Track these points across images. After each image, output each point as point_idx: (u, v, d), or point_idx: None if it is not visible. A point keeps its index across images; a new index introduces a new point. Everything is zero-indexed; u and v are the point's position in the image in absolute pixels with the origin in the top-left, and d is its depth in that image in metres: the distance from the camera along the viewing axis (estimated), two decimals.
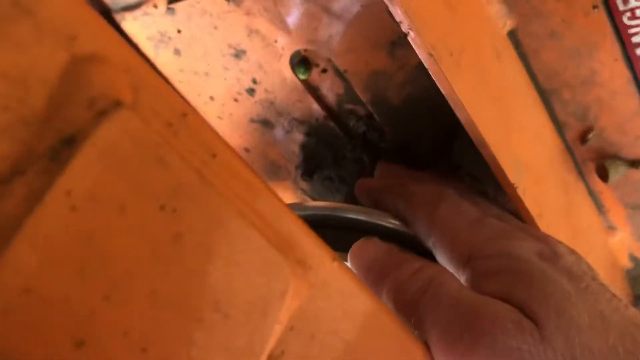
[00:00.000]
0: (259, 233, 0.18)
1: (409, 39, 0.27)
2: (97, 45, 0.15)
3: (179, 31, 0.40)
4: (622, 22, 0.32)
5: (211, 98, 0.45)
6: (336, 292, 0.21)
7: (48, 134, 0.14)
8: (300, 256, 0.20)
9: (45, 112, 0.14)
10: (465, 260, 0.29)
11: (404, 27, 0.26)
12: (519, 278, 0.27)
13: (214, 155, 0.18)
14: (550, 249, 0.29)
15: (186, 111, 0.18)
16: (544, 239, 0.30)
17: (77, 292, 0.14)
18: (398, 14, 0.26)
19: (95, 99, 0.15)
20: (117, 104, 0.15)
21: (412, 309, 0.27)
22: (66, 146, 0.14)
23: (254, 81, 0.43)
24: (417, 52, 0.27)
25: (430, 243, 0.31)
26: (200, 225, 0.16)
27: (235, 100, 0.45)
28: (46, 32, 0.14)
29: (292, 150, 0.48)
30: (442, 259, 0.30)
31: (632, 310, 0.26)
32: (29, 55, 0.14)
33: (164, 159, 0.16)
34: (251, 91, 0.44)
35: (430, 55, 0.27)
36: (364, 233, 0.34)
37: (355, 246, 0.33)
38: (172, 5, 0.39)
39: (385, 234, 0.34)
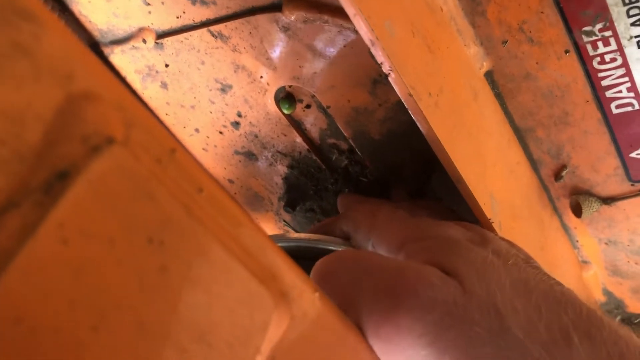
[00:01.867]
0: (243, 266, 0.19)
1: (390, 79, 0.28)
2: (92, 83, 0.16)
3: (166, 65, 0.41)
4: (592, 66, 0.33)
5: (196, 130, 0.46)
6: (317, 323, 0.21)
7: (42, 169, 0.15)
8: (282, 288, 0.20)
9: (40, 147, 0.15)
10: (399, 248, 0.30)
11: (385, 68, 0.28)
12: (444, 249, 0.27)
13: (201, 190, 0.18)
14: (480, 236, 0.29)
15: (175, 147, 0.18)
16: (475, 229, 0.31)
17: (66, 323, 0.14)
18: (379, 55, 0.27)
19: (88, 135, 0.16)
20: (110, 141, 0.16)
21: (342, 295, 0.25)
22: (60, 180, 0.15)
23: (239, 115, 0.43)
24: (397, 91, 0.28)
25: (370, 246, 0.33)
26: (186, 257, 0.17)
27: (221, 132, 0.45)
28: (44, 71, 0.15)
29: (275, 182, 0.49)
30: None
31: (564, 287, 0.26)
32: (26, 93, 0.15)
33: (152, 194, 0.17)
34: (236, 124, 0.44)
35: (410, 95, 0.28)
36: None
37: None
38: (161, 40, 0.40)
39: None
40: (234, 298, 0.18)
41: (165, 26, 0.39)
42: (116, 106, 0.17)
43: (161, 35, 0.39)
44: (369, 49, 0.27)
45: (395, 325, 0.23)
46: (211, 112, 0.44)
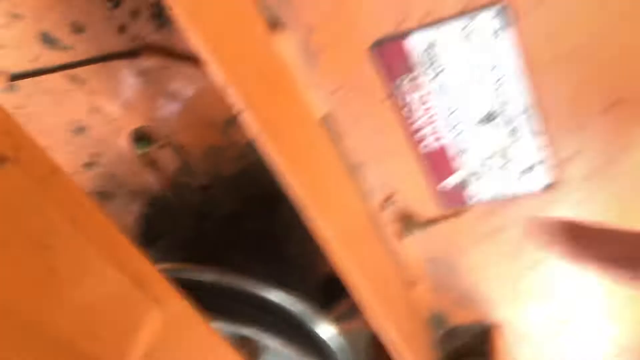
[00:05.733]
0: (121, 273, 0.22)
1: (240, 119, 0.32)
2: None
3: (19, 107, 0.42)
4: (402, 114, 0.41)
5: None
6: (185, 326, 0.24)
7: None
8: (155, 294, 0.23)
9: None
10: None
11: (236, 109, 0.32)
12: None
13: (82, 205, 0.21)
14: None
15: (54, 169, 0.21)
16: None
17: None
18: (231, 97, 0.31)
19: None
20: (3, 159, 0.18)
21: None
22: None
23: (95, 155, 0.45)
24: (247, 131, 0.33)
25: None
26: (73, 262, 0.19)
27: (77, 173, 0.46)
28: None
29: (131, 222, 0.50)
30: None
31: None
32: None
33: (41, 206, 0.19)
34: (91, 165, 0.46)
35: (259, 134, 0.32)
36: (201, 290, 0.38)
37: None
38: (15, 82, 0.40)
39: (221, 290, 0.38)
40: (114, 299, 0.21)
41: (18, 68, 0.40)
42: (4, 131, 0.19)
43: (15, 77, 0.40)
44: (221, 91, 0.31)
45: None
46: (66, 153, 0.45)
